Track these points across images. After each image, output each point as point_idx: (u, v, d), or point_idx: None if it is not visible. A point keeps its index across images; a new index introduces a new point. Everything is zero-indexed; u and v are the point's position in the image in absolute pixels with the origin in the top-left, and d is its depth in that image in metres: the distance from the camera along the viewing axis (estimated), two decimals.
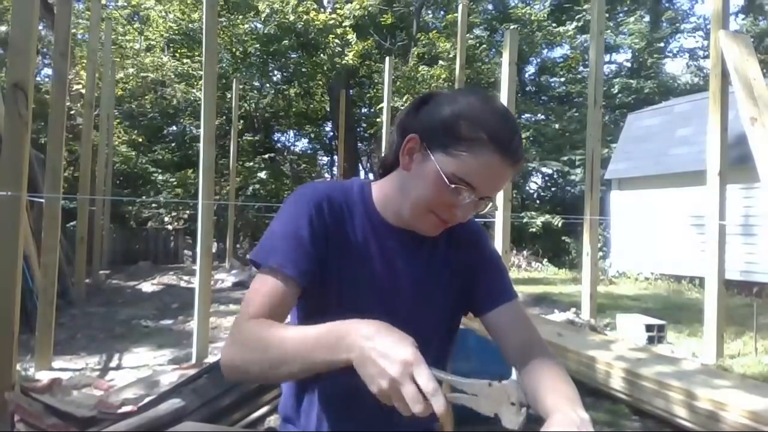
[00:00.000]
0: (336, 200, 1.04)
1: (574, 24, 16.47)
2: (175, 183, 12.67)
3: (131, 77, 12.90)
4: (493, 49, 16.15)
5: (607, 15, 14.80)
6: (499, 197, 5.46)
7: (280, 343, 0.85)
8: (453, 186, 0.93)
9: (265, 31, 14.02)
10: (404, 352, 0.73)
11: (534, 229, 13.53)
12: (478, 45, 15.51)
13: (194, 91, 13.11)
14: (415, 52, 15.28)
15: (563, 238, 13.67)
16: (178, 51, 14.72)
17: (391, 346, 0.74)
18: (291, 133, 17.29)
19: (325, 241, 1.01)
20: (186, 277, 8.73)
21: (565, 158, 14.30)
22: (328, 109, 16.19)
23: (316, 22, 13.69)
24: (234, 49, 14.18)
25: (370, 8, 14.60)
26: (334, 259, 1.02)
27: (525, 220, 13.55)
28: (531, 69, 18.55)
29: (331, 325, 0.82)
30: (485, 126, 0.92)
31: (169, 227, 12.60)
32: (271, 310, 0.94)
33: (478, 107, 0.95)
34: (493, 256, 1.15)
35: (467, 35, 11.82)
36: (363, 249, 1.04)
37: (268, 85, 15.64)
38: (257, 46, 14.23)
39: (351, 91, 16.02)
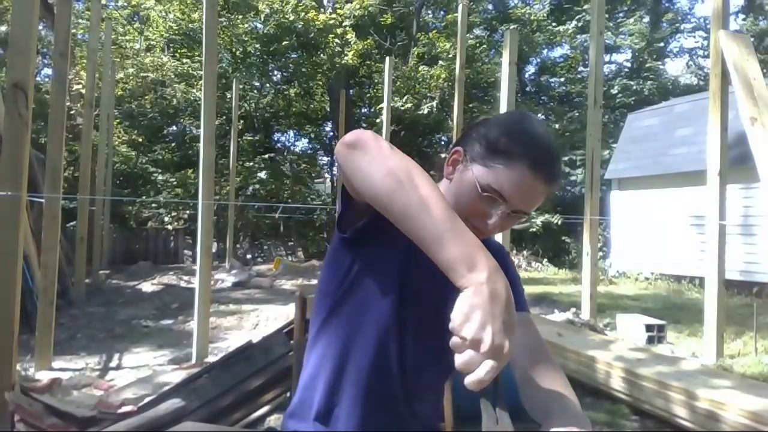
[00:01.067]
0: None
1: (574, 24, 16.46)
2: (175, 183, 12.67)
3: (131, 77, 12.91)
4: (493, 49, 16.15)
5: (607, 15, 14.81)
6: None
7: (427, 184, 0.78)
8: (485, 194, 0.98)
9: (265, 31, 14.02)
10: (507, 341, 0.70)
11: (534, 230, 13.53)
12: (478, 45, 15.51)
13: (194, 91, 13.11)
14: (415, 52, 15.27)
15: (563, 238, 13.68)
16: (178, 51, 14.71)
17: (508, 324, 0.71)
18: (291, 133, 17.28)
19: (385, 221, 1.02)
20: (186, 277, 8.73)
21: (566, 158, 14.29)
22: (328, 109, 16.18)
23: (316, 22, 13.69)
24: (234, 49, 14.18)
25: (370, 8, 14.60)
26: (386, 241, 1.02)
27: (525, 221, 13.54)
28: (531, 69, 18.55)
29: (475, 237, 0.76)
30: (523, 143, 0.98)
31: (169, 227, 12.60)
32: None
33: (519, 127, 1.02)
34: (512, 274, 1.20)
35: (467, 35, 11.82)
36: (403, 245, 1.06)
37: (268, 85, 15.64)
38: (257, 46, 14.23)
39: (351, 91, 16.01)
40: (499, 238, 5.25)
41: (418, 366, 1.09)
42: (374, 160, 0.82)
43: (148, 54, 13.83)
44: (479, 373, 0.68)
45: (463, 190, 1.02)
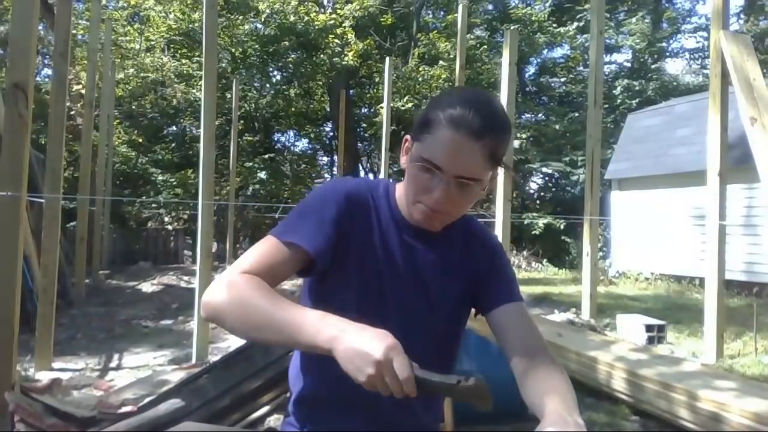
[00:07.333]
0: (362, 194, 1.11)
1: (575, 24, 16.44)
2: (175, 183, 12.65)
3: (131, 77, 12.90)
4: (494, 50, 16.15)
5: (608, 15, 14.77)
6: (499, 197, 5.45)
7: (265, 311, 0.89)
8: (420, 164, 1.00)
9: (266, 32, 14.02)
10: (386, 340, 0.80)
11: (536, 231, 13.53)
12: (478, 45, 15.49)
13: (194, 91, 13.11)
14: (416, 53, 15.27)
15: (563, 238, 13.68)
16: (178, 51, 14.71)
17: (372, 336, 0.81)
18: (291, 133, 17.29)
19: (346, 228, 1.06)
20: (186, 277, 8.72)
21: (566, 158, 14.28)
22: (328, 109, 16.19)
23: (316, 23, 13.69)
24: (234, 50, 14.18)
25: (370, 9, 14.60)
26: (354, 247, 1.07)
27: (527, 222, 13.54)
28: (531, 69, 18.54)
29: (319, 315, 0.87)
30: (443, 108, 0.99)
31: (169, 227, 12.59)
32: (268, 270, 0.97)
33: (445, 95, 1.03)
34: (503, 263, 1.19)
35: (467, 35, 11.82)
36: (384, 241, 1.10)
37: (268, 85, 15.63)
38: (257, 46, 14.23)
39: (351, 91, 16.01)
40: (499, 237, 5.25)
41: None
42: (221, 322, 0.93)
43: (148, 54, 13.82)
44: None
45: (409, 172, 1.04)
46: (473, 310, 1.18)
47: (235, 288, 0.93)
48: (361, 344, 0.80)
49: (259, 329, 0.89)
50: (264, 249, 1.01)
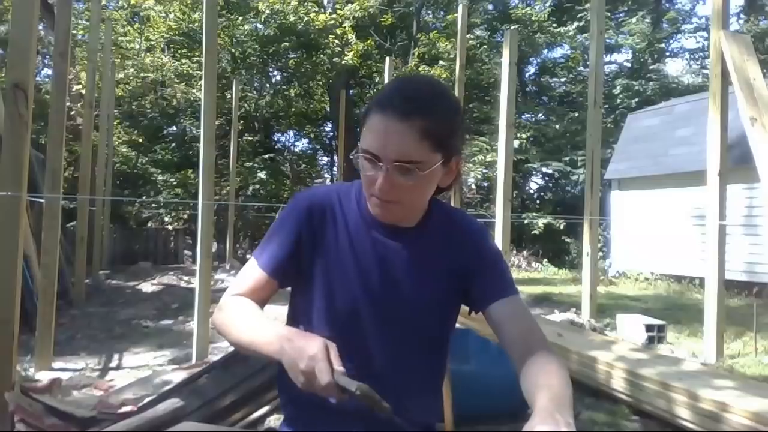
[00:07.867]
0: (326, 202, 1.12)
1: (575, 24, 16.43)
2: (175, 183, 12.65)
3: (131, 77, 12.90)
4: (494, 50, 16.14)
5: (608, 14, 14.75)
6: (499, 197, 5.45)
7: (240, 328, 1.03)
8: (363, 156, 1.01)
9: (266, 32, 14.02)
10: (309, 349, 0.87)
11: (536, 231, 13.52)
12: (478, 45, 15.49)
13: (194, 91, 13.10)
14: (416, 53, 15.27)
15: (563, 238, 13.68)
16: (178, 51, 14.70)
17: (300, 348, 0.88)
18: (291, 133, 17.27)
19: (308, 244, 1.09)
20: (186, 277, 8.72)
21: (567, 159, 14.28)
22: (328, 109, 16.18)
23: (316, 23, 13.69)
24: (234, 50, 14.18)
25: (370, 9, 14.59)
26: (318, 256, 1.09)
27: (527, 222, 13.53)
28: (531, 69, 18.53)
29: (274, 329, 0.97)
30: (375, 97, 1.02)
31: (169, 227, 12.59)
32: (252, 292, 1.10)
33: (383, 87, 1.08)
34: (493, 255, 1.16)
35: (467, 35, 11.82)
36: (353, 244, 1.10)
37: (268, 85, 15.63)
38: (257, 47, 14.23)
39: (351, 91, 16.00)
40: (499, 237, 5.25)
41: (389, 364, 1.08)
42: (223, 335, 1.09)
43: (148, 54, 13.81)
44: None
45: (360, 168, 1.04)
46: (467, 308, 1.16)
47: (225, 310, 1.09)
48: (293, 355, 0.88)
49: (240, 345, 1.04)
50: (248, 271, 1.12)
